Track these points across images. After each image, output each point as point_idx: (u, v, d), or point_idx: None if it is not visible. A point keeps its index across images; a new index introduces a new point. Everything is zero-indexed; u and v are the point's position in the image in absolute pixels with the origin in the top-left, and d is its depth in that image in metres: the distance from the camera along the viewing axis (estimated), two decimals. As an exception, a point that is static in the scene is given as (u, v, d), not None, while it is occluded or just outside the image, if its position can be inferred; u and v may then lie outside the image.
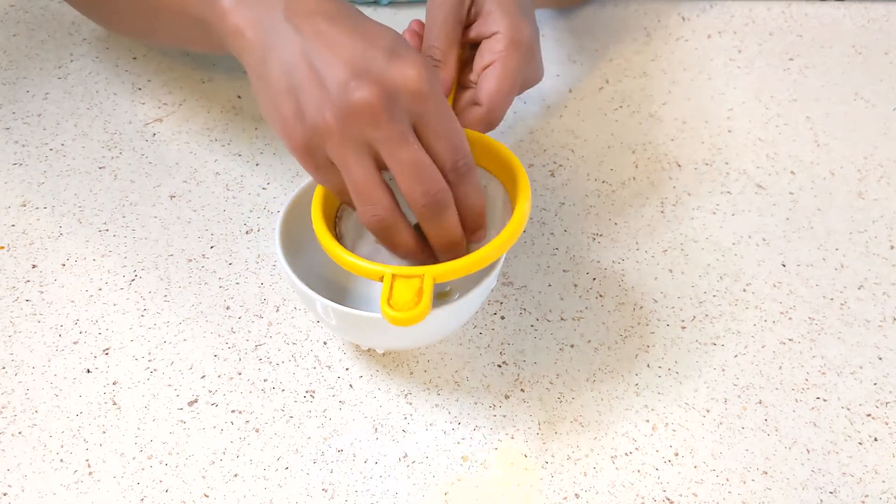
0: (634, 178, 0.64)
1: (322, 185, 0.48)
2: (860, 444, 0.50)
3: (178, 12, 0.52)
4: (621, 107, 0.69)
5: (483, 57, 0.53)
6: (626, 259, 0.59)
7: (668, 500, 0.47)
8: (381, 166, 0.44)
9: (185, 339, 0.53)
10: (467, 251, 0.48)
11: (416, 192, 0.44)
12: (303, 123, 0.44)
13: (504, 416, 0.50)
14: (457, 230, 0.46)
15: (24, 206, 0.61)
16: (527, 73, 0.55)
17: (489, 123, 0.53)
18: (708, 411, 0.51)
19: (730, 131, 0.68)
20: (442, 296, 0.53)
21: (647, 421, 0.50)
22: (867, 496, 0.47)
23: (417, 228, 0.47)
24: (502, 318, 0.55)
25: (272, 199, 0.62)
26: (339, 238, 0.49)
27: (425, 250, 0.48)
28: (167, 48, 0.72)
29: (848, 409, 0.51)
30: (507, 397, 0.51)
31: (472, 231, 0.48)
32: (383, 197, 0.45)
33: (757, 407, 0.51)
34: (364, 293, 0.55)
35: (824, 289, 0.57)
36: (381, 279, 0.45)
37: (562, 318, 0.55)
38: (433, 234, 0.46)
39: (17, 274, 0.57)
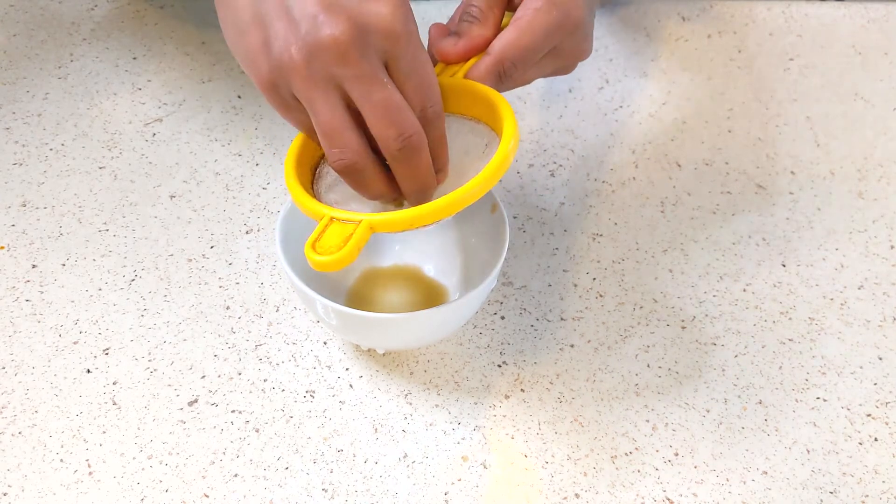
0: (634, 178, 0.64)
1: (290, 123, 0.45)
2: (860, 444, 0.50)
3: None
4: (621, 107, 0.69)
5: (516, 13, 0.49)
6: (626, 259, 0.59)
7: (668, 500, 0.47)
8: (350, 106, 0.42)
9: (185, 339, 0.53)
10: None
11: (389, 135, 0.42)
12: (269, 57, 0.41)
13: (504, 416, 0.50)
14: (429, 174, 0.44)
15: (24, 206, 0.61)
16: (567, 43, 0.50)
17: (498, 76, 0.49)
18: (708, 411, 0.51)
19: (730, 131, 0.68)
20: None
21: (647, 421, 0.50)
22: (867, 496, 0.47)
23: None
24: (502, 318, 0.55)
25: (272, 199, 0.62)
26: (315, 181, 0.47)
27: (398, 189, 0.45)
28: (167, 48, 0.72)
29: (848, 409, 0.51)
30: (507, 397, 0.51)
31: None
32: (352, 139, 0.42)
33: (757, 407, 0.51)
34: (364, 293, 0.55)
35: (824, 289, 0.57)
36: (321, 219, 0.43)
37: (562, 318, 0.55)
38: (403, 178, 0.44)
39: (17, 274, 0.57)
